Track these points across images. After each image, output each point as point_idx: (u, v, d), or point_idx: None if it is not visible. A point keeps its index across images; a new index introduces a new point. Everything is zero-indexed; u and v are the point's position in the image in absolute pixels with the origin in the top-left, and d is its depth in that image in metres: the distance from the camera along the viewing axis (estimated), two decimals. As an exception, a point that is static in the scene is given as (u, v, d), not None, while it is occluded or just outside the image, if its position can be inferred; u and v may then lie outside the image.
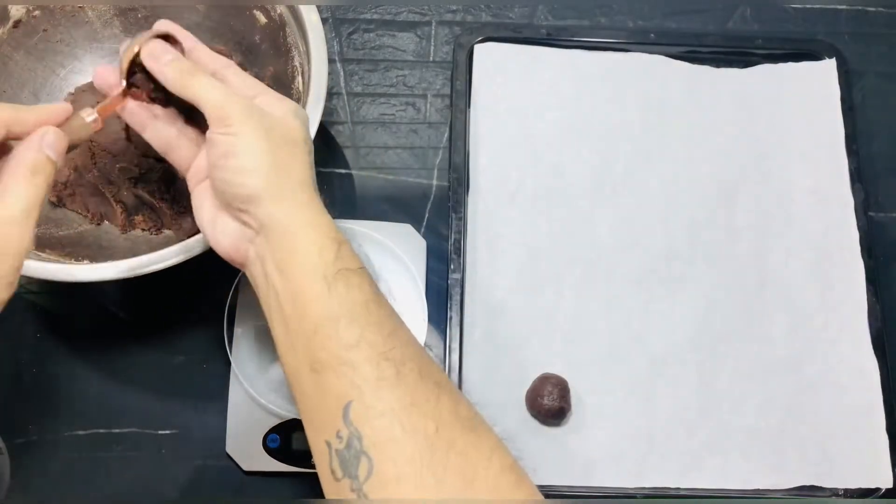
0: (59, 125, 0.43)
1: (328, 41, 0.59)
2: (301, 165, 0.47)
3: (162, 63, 0.48)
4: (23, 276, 0.54)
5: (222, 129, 0.45)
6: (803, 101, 0.72)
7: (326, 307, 0.43)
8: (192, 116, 0.52)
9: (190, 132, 0.51)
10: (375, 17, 0.76)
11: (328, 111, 0.71)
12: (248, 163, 0.45)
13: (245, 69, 0.52)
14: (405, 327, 0.45)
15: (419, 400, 0.41)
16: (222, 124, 0.45)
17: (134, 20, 0.67)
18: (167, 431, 0.63)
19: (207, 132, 0.46)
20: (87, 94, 0.65)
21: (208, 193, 0.48)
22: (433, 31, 0.76)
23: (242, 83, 0.49)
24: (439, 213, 0.69)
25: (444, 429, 0.40)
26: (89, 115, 0.46)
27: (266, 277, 0.45)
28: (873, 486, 0.61)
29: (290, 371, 0.44)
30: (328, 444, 0.41)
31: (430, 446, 0.39)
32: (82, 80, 0.67)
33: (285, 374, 0.45)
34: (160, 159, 0.56)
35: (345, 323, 0.42)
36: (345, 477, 0.40)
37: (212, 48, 0.66)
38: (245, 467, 0.60)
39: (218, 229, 0.48)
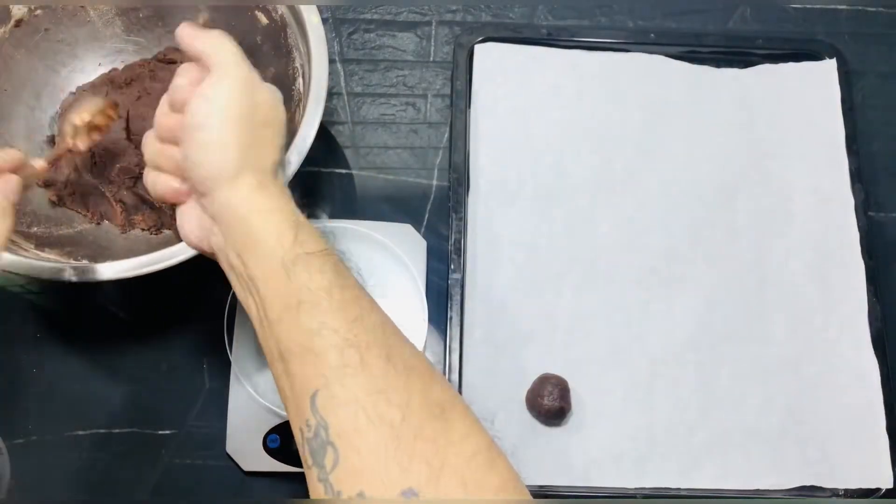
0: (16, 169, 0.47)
1: (328, 41, 0.59)
2: (271, 149, 0.45)
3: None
4: (23, 276, 0.54)
5: (210, 79, 0.44)
6: (803, 101, 0.72)
7: (287, 294, 0.41)
8: None
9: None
10: (375, 17, 0.76)
11: (328, 111, 0.71)
12: (215, 137, 0.43)
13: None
14: (375, 310, 0.43)
15: (385, 387, 0.40)
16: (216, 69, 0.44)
17: (135, 20, 0.67)
18: (167, 431, 0.63)
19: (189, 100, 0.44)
20: (88, 93, 0.65)
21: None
22: (433, 31, 0.76)
23: None
24: (439, 213, 0.69)
25: (412, 416, 0.39)
26: (38, 163, 0.50)
27: (231, 266, 0.44)
28: (873, 487, 0.61)
29: (267, 359, 0.44)
30: (301, 432, 0.40)
31: (396, 436, 0.38)
32: (83, 79, 0.67)
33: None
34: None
35: (306, 309, 0.41)
36: (314, 465, 0.39)
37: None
38: (245, 467, 0.60)
39: (184, 219, 0.47)
